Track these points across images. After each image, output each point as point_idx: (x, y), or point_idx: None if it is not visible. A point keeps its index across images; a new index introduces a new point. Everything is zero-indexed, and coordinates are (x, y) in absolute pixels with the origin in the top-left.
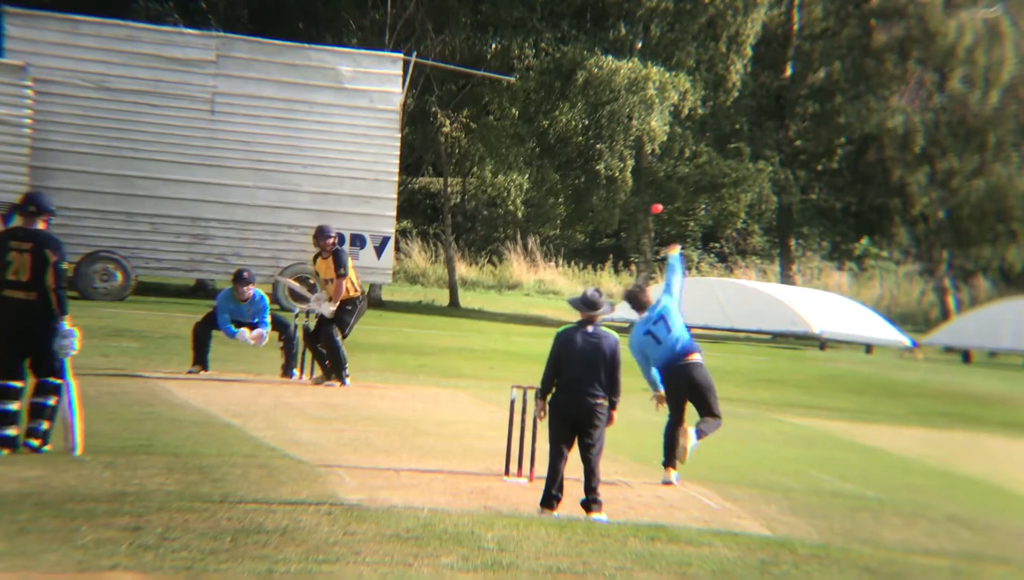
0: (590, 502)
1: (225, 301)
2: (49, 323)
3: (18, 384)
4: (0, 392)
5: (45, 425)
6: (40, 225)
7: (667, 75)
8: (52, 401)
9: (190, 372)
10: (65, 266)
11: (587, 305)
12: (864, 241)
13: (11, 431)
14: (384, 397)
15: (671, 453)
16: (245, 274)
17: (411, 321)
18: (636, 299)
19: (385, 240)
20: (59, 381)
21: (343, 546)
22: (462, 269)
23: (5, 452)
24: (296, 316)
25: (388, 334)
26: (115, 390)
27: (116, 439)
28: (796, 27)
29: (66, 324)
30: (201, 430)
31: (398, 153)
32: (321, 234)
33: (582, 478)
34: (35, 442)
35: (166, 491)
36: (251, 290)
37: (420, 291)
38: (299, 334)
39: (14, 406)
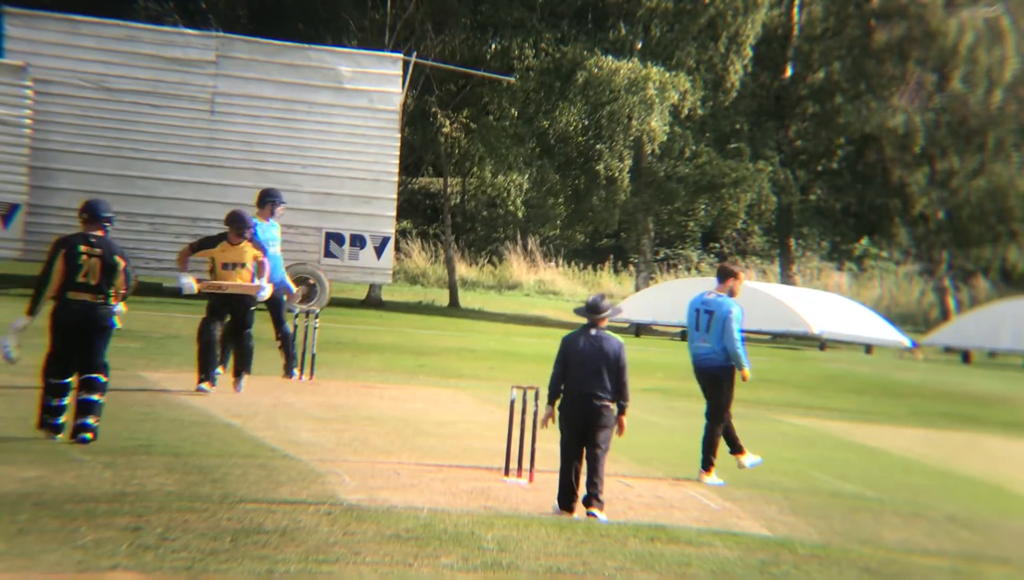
0: (591, 498)
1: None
2: (105, 324)
3: (72, 381)
4: (55, 389)
5: (93, 420)
6: (99, 232)
7: (667, 75)
8: (98, 396)
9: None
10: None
11: (590, 310)
12: (864, 241)
13: (62, 419)
14: (384, 397)
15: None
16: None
17: (411, 321)
18: (724, 269)
19: (385, 240)
20: (104, 378)
21: (343, 546)
22: (462, 269)
23: (60, 437)
24: (296, 316)
25: (388, 334)
26: (115, 390)
27: (116, 439)
28: (796, 27)
29: (121, 306)
30: (201, 430)
31: (398, 153)
32: (243, 222)
33: (585, 475)
34: (88, 435)
35: (166, 491)
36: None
37: (420, 291)
38: (300, 334)
39: (67, 401)
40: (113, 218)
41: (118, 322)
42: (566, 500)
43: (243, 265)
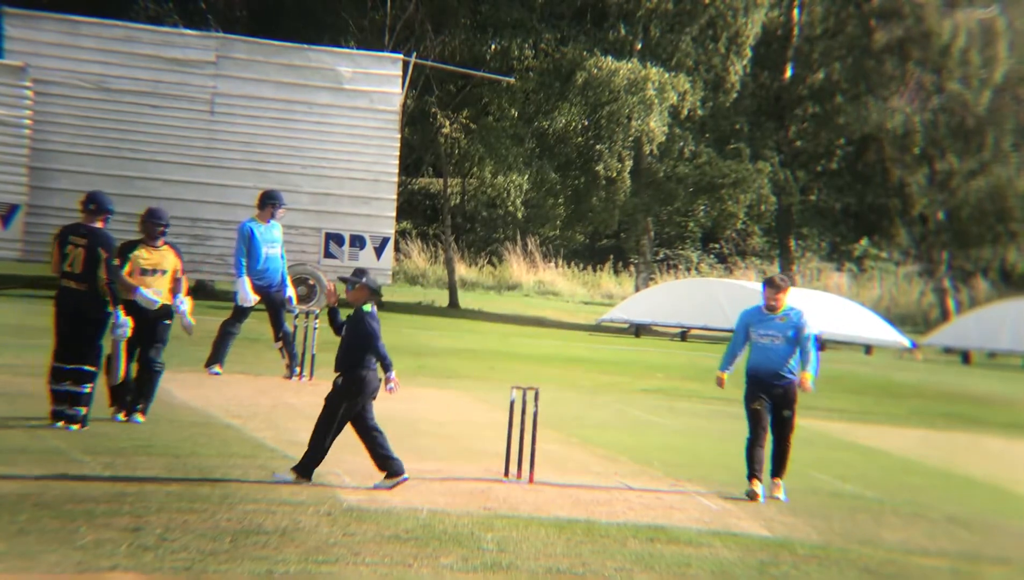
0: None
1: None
2: (94, 313)
3: (91, 368)
4: (56, 373)
5: (78, 410)
6: (98, 223)
7: (666, 76)
8: (88, 388)
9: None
10: (116, 262)
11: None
12: (864, 242)
13: (82, 410)
14: (383, 398)
15: (754, 465)
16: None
17: (410, 322)
18: (773, 281)
19: (385, 241)
20: (91, 367)
21: (343, 547)
22: (462, 270)
23: (75, 427)
24: (296, 317)
25: (387, 335)
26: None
27: (116, 439)
28: (796, 28)
29: (120, 314)
30: (201, 431)
31: (398, 154)
32: (155, 219)
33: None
34: (74, 426)
35: (166, 491)
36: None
37: (420, 292)
38: (300, 334)
39: (88, 388)
40: (114, 209)
41: (129, 332)
42: (312, 468)
43: (163, 272)
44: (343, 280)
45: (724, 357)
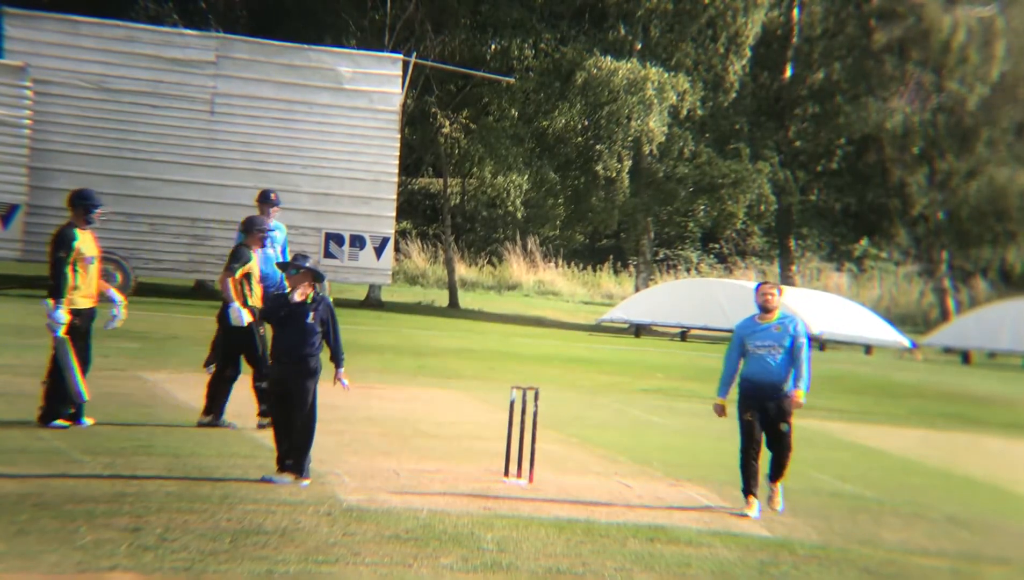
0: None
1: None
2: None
3: (50, 364)
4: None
5: (41, 405)
6: (78, 221)
7: (666, 76)
8: (43, 384)
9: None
10: (65, 255)
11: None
12: (864, 242)
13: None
14: (384, 398)
15: (749, 480)
16: (272, 196)
17: (410, 322)
18: (764, 282)
19: (385, 241)
20: (51, 365)
21: (342, 547)
22: (462, 270)
23: (86, 421)
24: None
25: (387, 335)
26: (114, 391)
27: (116, 439)
28: (796, 28)
29: (52, 305)
30: (201, 431)
31: (398, 154)
32: (261, 225)
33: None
34: (36, 419)
35: (166, 491)
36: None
37: (419, 292)
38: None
39: (43, 383)
40: (92, 206)
41: (61, 331)
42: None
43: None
44: (282, 266)
45: (721, 381)
